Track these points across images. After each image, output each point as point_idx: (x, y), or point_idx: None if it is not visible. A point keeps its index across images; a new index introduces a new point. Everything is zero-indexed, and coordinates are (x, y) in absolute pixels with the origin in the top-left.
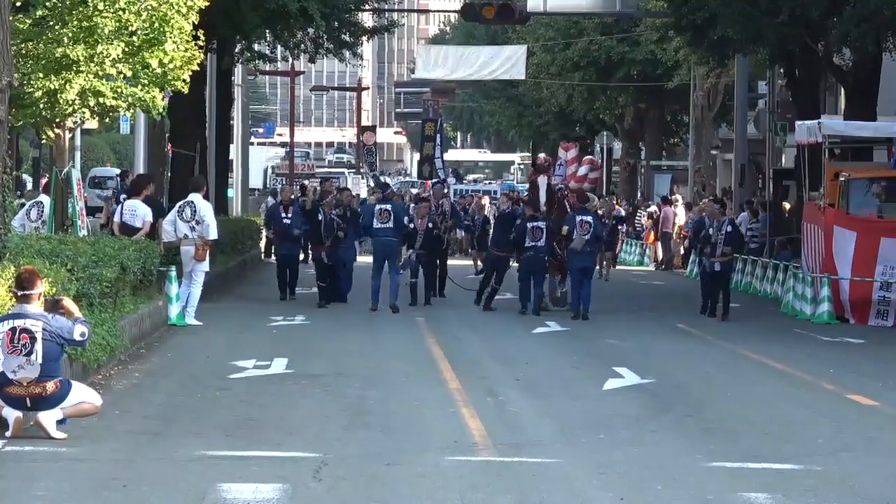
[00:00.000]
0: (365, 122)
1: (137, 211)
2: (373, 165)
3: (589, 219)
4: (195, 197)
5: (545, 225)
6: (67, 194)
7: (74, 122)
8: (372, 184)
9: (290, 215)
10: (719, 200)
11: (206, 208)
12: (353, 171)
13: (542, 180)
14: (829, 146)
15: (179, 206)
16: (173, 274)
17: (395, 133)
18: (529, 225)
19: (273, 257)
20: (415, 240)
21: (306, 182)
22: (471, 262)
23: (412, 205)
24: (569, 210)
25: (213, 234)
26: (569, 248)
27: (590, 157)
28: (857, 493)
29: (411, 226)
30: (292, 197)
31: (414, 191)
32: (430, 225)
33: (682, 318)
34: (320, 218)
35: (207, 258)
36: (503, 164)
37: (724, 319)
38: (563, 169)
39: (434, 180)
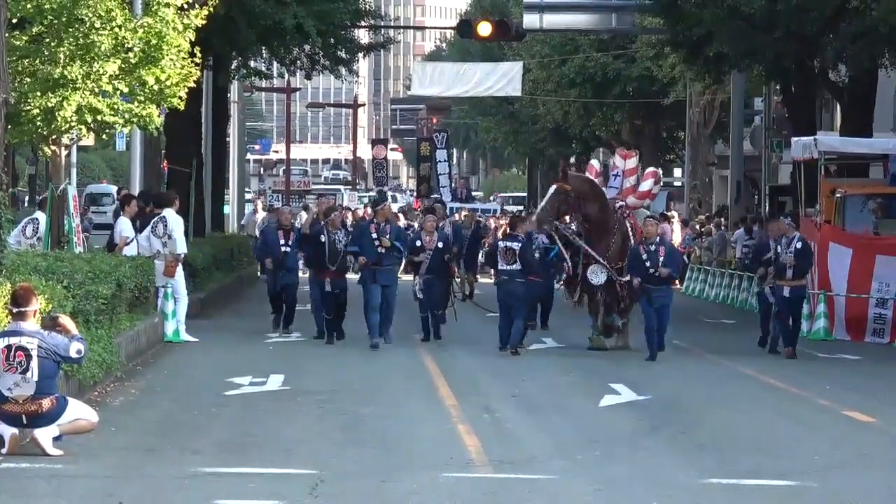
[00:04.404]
0: (361, 138)
1: (117, 228)
2: (381, 180)
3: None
4: (167, 212)
5: (520, 246)
6: (63, 211)
7: (71, 139)
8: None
9: (290, 242)
10: (788, 214)
11: (175, 223)
12: (349, 187)
13: (551, 188)
14: (824, 163)
15: (153, 222)
16: (169, 290)
17: (392, 150)
18: (502, 245)
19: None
20: (419, 264)
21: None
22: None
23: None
24: (631, 235)
25: (180, 249)
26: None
27: (652, 168)
28: None
29: (417, 243)
30: (293, 222)
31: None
32: (441, 245)
33: (679, 334)
34: (323, 240)
35: (180, 273)
36: None
37: (791, 356)
38: (618, 180)
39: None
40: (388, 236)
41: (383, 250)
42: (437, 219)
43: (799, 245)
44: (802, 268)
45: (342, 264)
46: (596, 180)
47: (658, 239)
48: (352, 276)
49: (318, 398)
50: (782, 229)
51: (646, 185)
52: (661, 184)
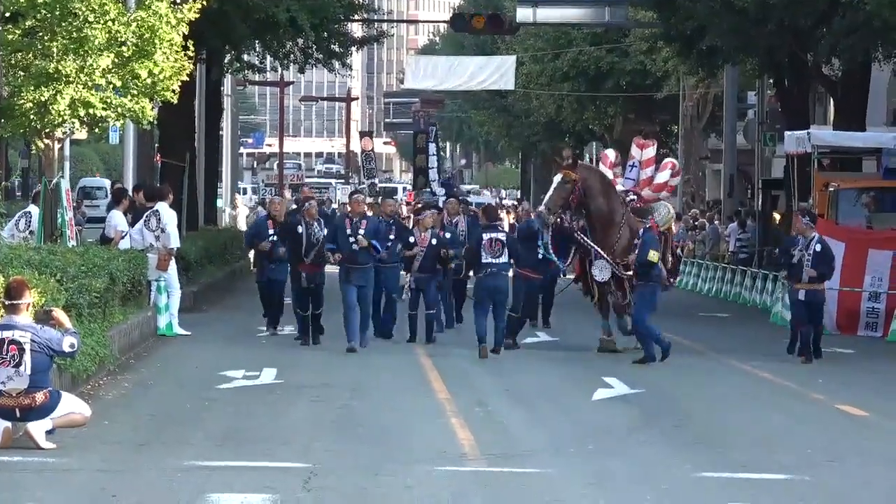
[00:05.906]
0: (354, 132)
1: (111, 221)
2: (371, 172)
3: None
4: (161, 206)
5: (507, 237)
6: (56, 205)
7: (64, 133)
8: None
9: (278, 229)
10: (808, 211)
11: (169, 217)
12: (343, 181)
13: (556, 178)
14: (817, 156)
15: (146, 216)
16: (162, 284)
17: (385, 143)
18: (486, 236)
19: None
20: (412, 259)
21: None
22: None
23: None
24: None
25: (174, 243)
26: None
27: (670, 159)
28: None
29: (411, 239)
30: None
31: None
32: (434, 241)
33: (670, 327)
34: (300, 230)
35: (173, 267)
36: None
37: (814, 359)
38: (635, 171)
39: (429, 191)
40: (362, 231)
41: (357, 248)
42: (454, 213)
43: (818, 248)
44: (821, 274)
45: (318, 257)
46: (610, 171)
47: (641, 231)
48: (331, 269)
49: (312, 392)
50: (800, 228)
51: (662, 176)
52: (681, 176)
